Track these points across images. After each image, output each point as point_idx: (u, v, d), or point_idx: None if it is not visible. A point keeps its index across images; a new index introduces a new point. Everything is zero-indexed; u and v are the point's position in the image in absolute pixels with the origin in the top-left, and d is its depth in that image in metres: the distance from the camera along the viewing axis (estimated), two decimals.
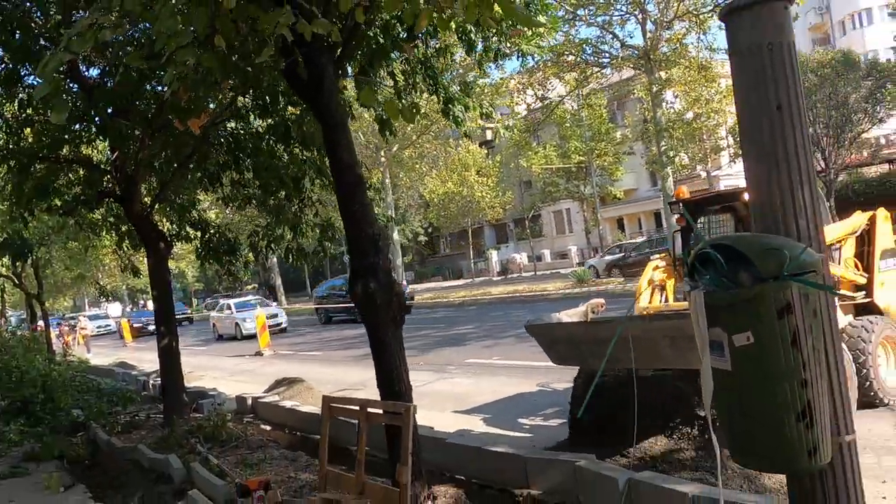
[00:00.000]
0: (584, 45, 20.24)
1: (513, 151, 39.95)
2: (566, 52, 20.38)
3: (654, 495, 4.43)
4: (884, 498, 4.47)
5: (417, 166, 35.40)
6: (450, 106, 6.22)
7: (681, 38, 20.42)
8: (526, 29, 5.53)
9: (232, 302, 30.60)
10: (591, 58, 21.06)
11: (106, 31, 3.95)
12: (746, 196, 6.45)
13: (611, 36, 20.79)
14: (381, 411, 4.90)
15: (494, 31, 6.16)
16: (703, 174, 37.83)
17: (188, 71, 4.09)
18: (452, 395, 9.67)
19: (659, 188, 38.14)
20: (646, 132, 24.38)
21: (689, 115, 32.68)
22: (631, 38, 43.59)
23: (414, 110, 6.88)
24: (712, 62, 23.59)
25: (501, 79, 21.92)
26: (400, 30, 5.85)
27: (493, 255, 49.51)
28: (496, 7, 3.89)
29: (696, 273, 2.61)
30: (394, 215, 34.98)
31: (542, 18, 6.82)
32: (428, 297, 32.35)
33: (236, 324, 27.62)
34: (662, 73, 22.40)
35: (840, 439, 2.66)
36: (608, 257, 33.85)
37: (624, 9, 20.48)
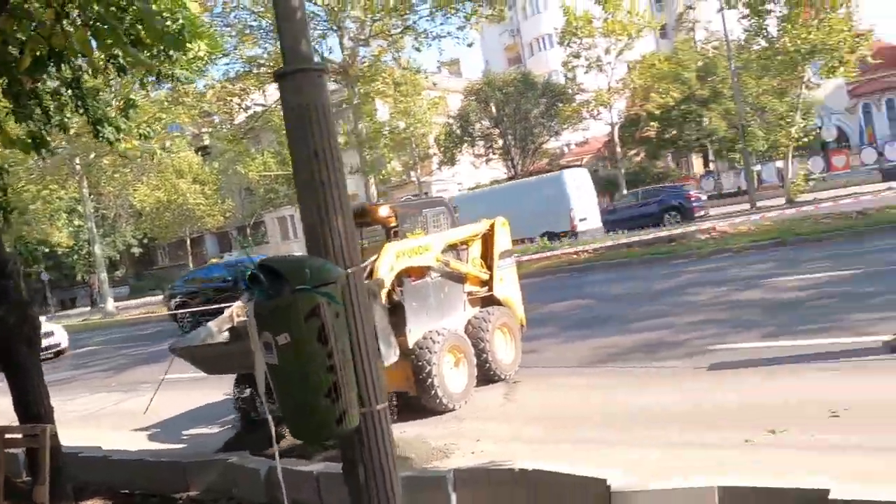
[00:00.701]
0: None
1: (230, 158, 39.12)
2: (265, 64, 20.75)
3: (289, 477, 5.08)
4: (472, 453, 5.58)
5: (118, 175, 33.08)
6: (99, 127, 6.29)
7: (378, 55, 21.88)
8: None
9: None
10: None
11: None
12: (382, 210, 7.45)
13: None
14: (19, 436, 4.94)
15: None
16: (416, 180, 40.44)
17: None
18: (138, 413, 9.57)
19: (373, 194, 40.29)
20: (355, 140, 25.57)
21: (402, 124, 34.93)
22: (331, 52, 45.20)
23: (62, 131, 6.84)
24: (415, 77, 25.51)
25: (205, 87, 21.61)
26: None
27: None
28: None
29: (250, 289, 3.23)
30: (95, 228, 32.34)
31: (202, 44, 7.18)
32: (139, 314, 30.47)
33: None
34: (369, 86, 23.70)
35: (371, 409, 3.45)
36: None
37: (324, 24, 21.37)
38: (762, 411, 5.40)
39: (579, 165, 46.29)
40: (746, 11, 28.50)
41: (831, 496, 3.32)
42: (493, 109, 35.18)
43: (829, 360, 6.37)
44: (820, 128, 36.49)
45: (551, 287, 14.21)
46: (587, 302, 11.99)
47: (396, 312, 6.97)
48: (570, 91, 35.15)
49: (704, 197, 27.64)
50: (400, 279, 7.04)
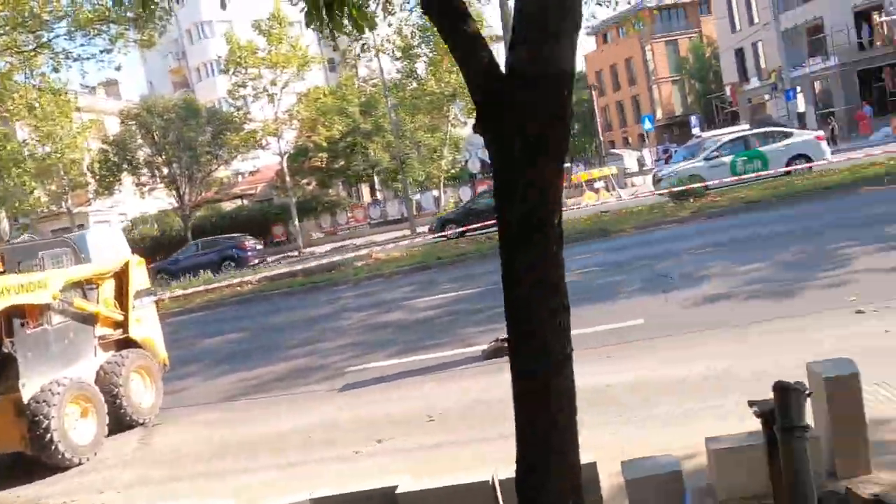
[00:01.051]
0: None
1: None
2: None
3: None
4: None
5: None
6: None
7: (6, 73, 19.41)
8: None
9: None
10: None
11: None
12: None
13: None
14: None
15: None
16: (68, 210, 36.41)
17: None
18: None
19: (18, 226, 35.50)
20: None
21: (46, 149, 31.31)
22: None
23: None
24: (58, 99, 23.04)
25: None
26: None
27: None
28: None
29: None
30: None
31: None
32: None
33: None
34: None
35: None
36: None
37: None
38: (375, 423, 6.05)
39: (252, 195, 46.01)
40: (399, 54, 31.34)
41: (398, 491, 3.93)
42: (155, 136, 33.38)
43: (438, 370, 7.35)
44: (467, 161, 41.24)
45: (210, 321, 13.97)
46: (242, 334, 12.05)
47: (8, 365, 6.38)
48: (237, 120, 34.82)
49: (259, 246, 29.90)
50: (11, 328, 6.45)
